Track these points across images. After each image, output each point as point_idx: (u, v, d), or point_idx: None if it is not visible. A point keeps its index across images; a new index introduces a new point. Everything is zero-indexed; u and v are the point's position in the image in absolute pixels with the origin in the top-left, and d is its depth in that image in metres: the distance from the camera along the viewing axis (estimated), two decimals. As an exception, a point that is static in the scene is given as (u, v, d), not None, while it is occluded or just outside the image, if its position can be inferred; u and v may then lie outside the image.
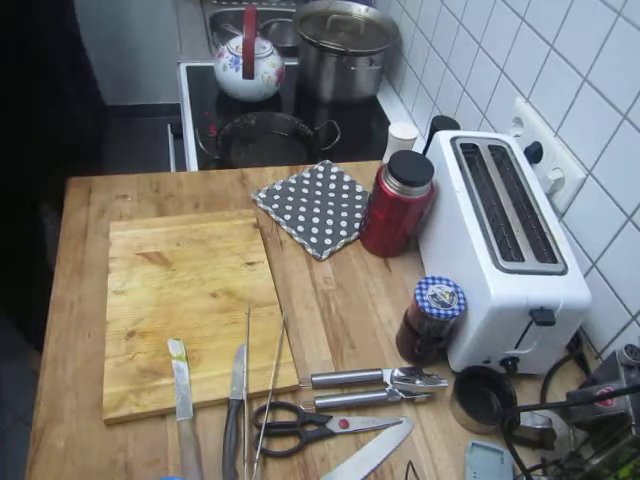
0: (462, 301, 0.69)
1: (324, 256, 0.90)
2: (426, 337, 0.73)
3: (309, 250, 0.90)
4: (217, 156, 1.11)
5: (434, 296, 0.69)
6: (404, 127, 0.97)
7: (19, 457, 0.72)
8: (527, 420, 0.67)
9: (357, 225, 0.96)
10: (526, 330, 0.69)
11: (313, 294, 0.85)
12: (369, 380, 0.74)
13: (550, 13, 0.83)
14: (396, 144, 0.96)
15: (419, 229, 0.91)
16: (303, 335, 0.79)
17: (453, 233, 0.78)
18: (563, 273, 0.68)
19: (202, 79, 1.38)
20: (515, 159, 0.83)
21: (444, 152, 0.82)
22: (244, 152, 1.19)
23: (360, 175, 1.07)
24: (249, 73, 1.23)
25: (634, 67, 0.69)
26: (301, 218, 0.95)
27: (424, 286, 0.71)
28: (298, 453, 0.67)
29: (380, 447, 0.69)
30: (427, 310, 0.68)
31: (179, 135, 1.29)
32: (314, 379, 0.73)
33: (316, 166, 1.07)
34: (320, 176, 1.05)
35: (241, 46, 1.20)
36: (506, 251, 0.71)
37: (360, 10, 1.43)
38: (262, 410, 0.68)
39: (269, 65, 1.27)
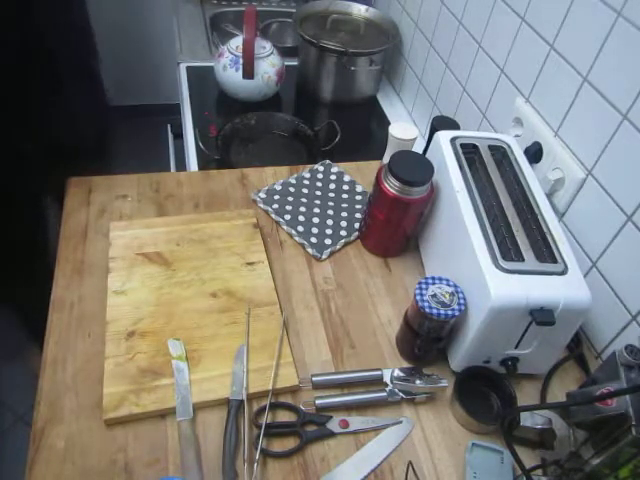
0: (462, 301, 0.69)
1: (324, 256, 0.90)
2: (426, 337, 0.73)
3: (309, 250, 0.90)
4: (217, 156, 1.11)
5: (434, 296, 0.69)
6: (404, 127, 0.97)
7: (19, 457, 0.72)
8: (527, 420, 0.67)
9: (357, 225, 0.96)
10: (526, 330, 0.69)
11: (313, 294, 0.85)
12: (369, 380, 0.74)
13: (550, 13, 0.83)
14: (396, 144, 0.96)
15: (419, 229, 0.91)
16: (303, 335, 0.79)
17: (453, 233, 0.78)
18: (563, 273, 0.68)
19: (202, 79, 1.38)
20: (515, 159, 0.83)
21: (444, 152, 0.82)
22: (244, 152, 1.19)
23: (360, 175, 1.07)
24: (249, 73, 1.23)
25: (634, 67, 0.69)
26: (301, 218, 0.95)
27: (424, 286, 0.71)
28: (298, 453, 0.67)
29: (380, 447, 0.69)
30: (427, 310, 0.68)
31: (179, 135, 1.29)
32: (314, 379, 0.73)
33: (316, 166, 1.07)
34: (320, 176, 1.05)
35: (241, 46, 1.20)
36: (506, 251, 0.71)
37: (360, 10, 1.43)
38: (262, 410, 0.68)
39: (269, 65, 1.27)
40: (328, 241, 0.92)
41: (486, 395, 0.75)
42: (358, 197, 1.01)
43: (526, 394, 0.76)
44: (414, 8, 1.30)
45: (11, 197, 1.04)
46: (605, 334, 0.80)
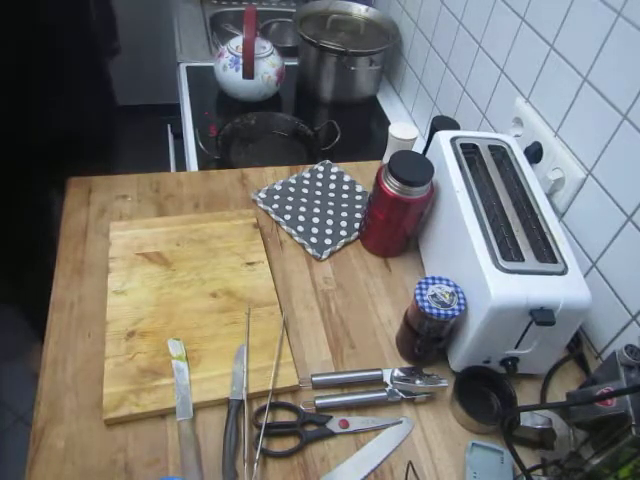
0: (462, 301, 0.69)
1: (324, 256, 0.90)
2: (426, 337, 0.73)
3: (309, 250, 0.90)
4: (217, 156, 1.11)
5: (434, 296, 0.69)
6: (404, 127, 0.97)
7: (19, 457, 0.72)
8: (527, 420, 0.67)
9: (357, 225, 0.96)
10: (526, 330, 0.69)
11: (313, 294, 0.85)
12: (369, 380, 0.74)
13: (550, 13, 0.83)
14: (396, 144, 0.96)
15: (419, 229, 0.91)
16: (303, 335, 0.79)
17: (453, 233, 0.78)
18: (563, 273, 0.68)
19: (202, 79, 1.38)
20: (515, 159, 0.83)
21: (444, 152, 0.82)
22: (244, 152, 1.19)
23: (360, 175, 1.07)
24: (249, 73, 1.23)
25: (634, 67, 0.69)
26: (301, 218, 0.95)
27: (424, 286, 0.71)
28: (298, 453, 0.67)
29: (380, 447, 0.69)
30: (427, 310, 0.68)
31: (179, 135, 1.29)
32: (314, 379, 0.73)
33: (316, 166, 1.07)
34: (320, 176, 1.05)
35: (241, 46, 1.20)
36: (506, 251, 0.71)
37: (360, 10, 1.43)
38: (262, 410, 0.68)
39: (269, 65, 1.27)
40: (328, 241, 0.92)
41: (486, 395, 0.75)
42: (358, 197, 1.01)
43: (526, 394, 0.76)
44: (414, 8, 1.30)
45: (17, 194, 1.04)
46: (605, 334, 0.80)
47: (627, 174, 0.73)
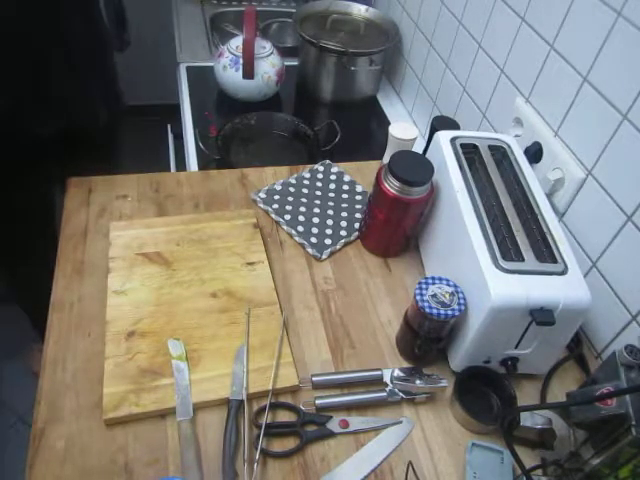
0: (462, 301, 0.69)
1: (324, 256, 0.90)
2: (426, 337, 0.73)
3: (309, 250, 0.90)
4: (217, 156, 1.11)
5: (434, 296, 0.69)
6: (404, 127, 0.97)
7: (19, 457, 0.72)
8: (527, 420, 0.67)
9: (357, 225, 0.96)
10: (526, 330, 0.69)
11: (313, 294, 0.85)
12: (369, 380, 0.74)
13: (550, 13, 0.83)
14: (396, 144, 0.96)
15: (419, 229, 0.91)
16: (303, 335, 0.79)
17: (453, 233, 0.78)
18: (563, 273, 0.68)
19: (202, 79, 1.38)
20: (515, 159, 0.83)
21: (444, 152, 0.82)
22: (244, 152, 1.19)
23: (360, 175, 1.07)
24: (249, 73, 1.23)
25: (634, 67, 0.69)
26: (301, 218, 0.95)
27: (424, 286, 0.71)
28: (298, 453, 0.67)
29: (380, 447, 0.69)
30: (427, 310, 0.68)
31: (179, 135, 1.29)
32: (314, 379, 0.73)
33: (316, 166, 1.07)
34: (320, 176, 1.05)
35: (241, 46, 1.20)
36: (506, 251, 0.71)
37: (360, 10, 1.43)
38: (262, 410, 0.68)
39: (269, 65, 1.27)
40: (328, 241, 0.92)
41: (486, 395, 0.75)
42: (358, 197, 1.01)
43: (526, 394, 0.76)
44: (414, 8, 1.30)
45: (20, 189, 1.04)
46: (605, 334, 0.80)
47: (627, 174, 0.73)
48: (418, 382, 0.72)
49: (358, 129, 1.36)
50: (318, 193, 1.01)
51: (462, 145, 0.83)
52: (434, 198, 0.85)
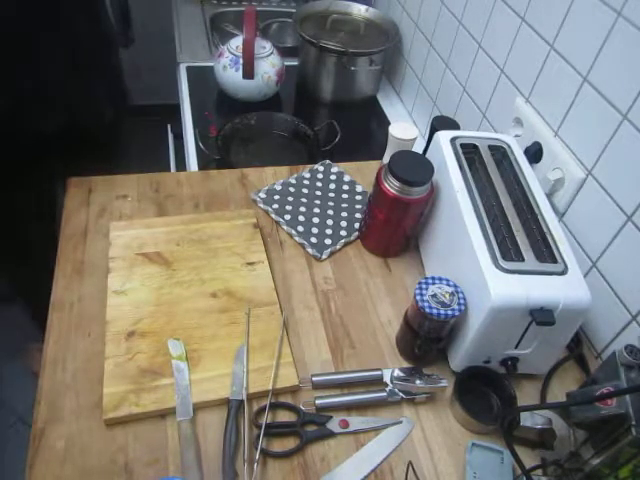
0: (462, 301, 0.69)
1: (324, 256, 0.90)
2: (426, 337, 0.73)
3: (309, 250, 0.90)
4: (217, 156, 1.11)
5: (434, 296, 0.69)
6: (404, 127, 0.97)
7: (19, 457, 0.72)
8: (527, 420, 0.67)
9: (357, 225, 0.96)
10: (526, 330, 0.69)
11: (313, 294, 0.85)
12: (369, 380, 0.74)
13: (550, 13, 0.83)
14: (396, 144, 0.96)
15: (419, 229, 0.91)
16: (303, 335, 0.79)
17: (453, 233, 0.78)
18: (563, 273, 0.68)
19: (202, 79, 1.38)
20: (515, 159, 0.83)
21: (444, 152, 0.82)
22: (244, 152, 1.19)
23: (360, 175, 1.07)
24: (249, 73, 1.23)
25: (634, 67, 0.69)
26: (301, 218, 0.95)
27: (424, 286, 0.71)
28: (298, 453, 0.67)
29: (380, 447, 0.69)
30: (427, 310, 0.68)
31: (179, 135, 1.29)
32: (314, 379, 0.73)
33: (316, 166, 1.07)
34: (320, 176, 1.05)
35: (241, 46, 1.20)
36: (506, 251, 0.71)
37: (360, 10, 1.43)
38: (262, 410, 0.68)
39: (269, 65, 1.27)
40: (328, 241, 0.92)
41: (486, 395, 0.75)
42: (358, 197, 1.01)
43: (526, 394, 0.76)
44: (414, 8, 1.30)
45: (27, 183, 1.04)
46: (605, 334, 0.80)
47: (627, 174, 0.73)
48: (418, 382, 0.72)
49: (358, 129, 1.36)
50: (318, 193, 1.01)
51: (462, 145, 0.83)
52: (434, 198, 0.85)
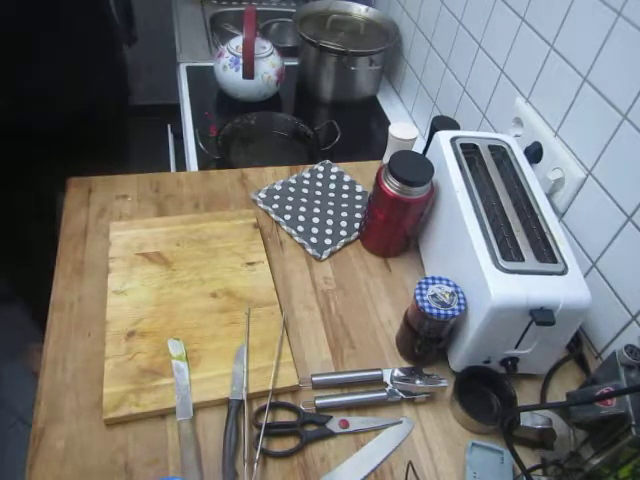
0: (462, 301, 0.69)
1: (324, 256, 0.90)
2: (426, 337, 0.73)
3: (309, 250, 0.90)
4: (217, 156, 1.11)
5: (434, 296, 0.69)
6: (404, 127, 0.97)
7: (19, 457, 0.72)
8: (527, 420, 0.67)
9: (357, 225, 0.96)
10: (526, 330, 0.69)
11: (313, 294, 0.85)
12: (369, 380, 0.74)
13: (550, 13, 0.83)
14: (396, 144, 0.96)
15: (419, 229, 0.91)
16: (303, 335, 0.79)
17: (453, 233, 0.78)
18: (563, 273, 0.68)
19: (202, 79, 1.38)
20: (515, 159, 0.83)
21: (444, 152, 0.82)
22: (244, 152, 1.19)
23: (360, 175, 1.07)
24: (249, 73, 1.23)
25: (634, 67, 0.69)
26: (301, 218, 0.95)
27: (424, 286, 0.71)
28: (298, 453, 0.67)
29: (380, 447, 0.69)
30: (427, 310, 0.68)
31: (179, 135, 1.29)
32: (314, 379, 0.73)
33: (316, 166, 1.07)
34: (320, 176, 1.05)
35: (241, 46, 1.20)
36: (506, 251, 0.71)
37: (360, 10, 1.43)
38: (262, 410, 0.68)
39: (269, 65, 1.27)
40: (328, 241, 0.92)
41: (486, 395, 0.75)
42: (358, 197, 1.01)
43: (526, 394, 0.76)
44: (414, 8, 1.30)
45: (27, 183, 1.04)
46: (605, 334, 0.80)
47: (627, 174, 0.73)
48: (418, 382, 0.72)
49: (358, 129, 1.36)
50: (318, 193, 1.01)
51: (462, 145, 0.83)
52: (434, 198, 0.85)
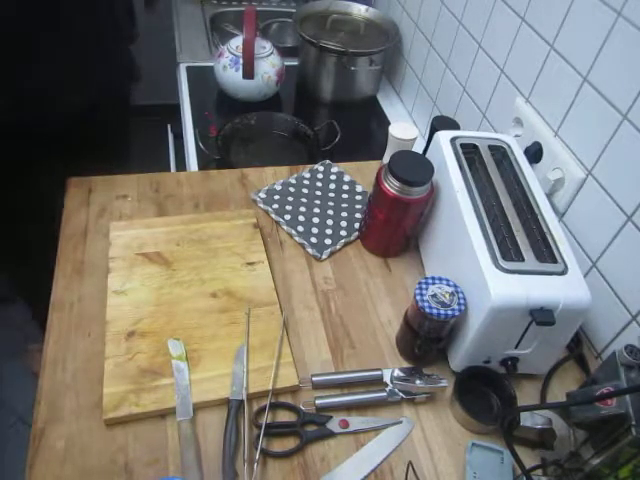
0: (462, 301, 0.69)
1: (324, 256, 0.90)
2: (426, 337, 0.73)
3: (309, 250, 0.90)
4: (217, 156, 1.11)
5: (434, 296, 0.69)
6: (404, 127, 0.97)
7: (19, 457, 0.72)
8: (527, 420, 0.67)
9: (357, 225, 0.96)
10: (526, 330, 0.69)
11: (313, 294, 0.85)
12: (369, 380, 0.74)
13: (550, 13, 0.83)
14: (396, 144, 0.96)
15: (419, 229, 0.91)
16: (303, 335, 0.79)
17: (453, 233, 0.78)
18: (563, 273, 0.68)
19: (202, 79, 1.38)
20: (515, 159, 0.83)
21: (444, 152, 0.82)
22: (244, 152, 1.19)
23: (360, 175, 1.07)
24: (249, 73, 1.23)
25: (634, 67, 0.69)
26: (301, 218, 0.95)
27: (424, 286, 0.71)
28: (298, 453, 0.67)
29: (380, 447, 0.69)
30: (427, 310, 0.68)
31: (179, 135, 1.29)
32: (314, 379, 0.73)
33: (316, 166, 1.07)
34: (320, 176, 1.05)
35: (241, 46, 1.20)
36: (506, 251, 0.71)
37: (360, 10, 1.43)
38: (262, 410, 0.68)
39: (269, 65, 1.27)
40: (328, 241, 0.92)
41: (486, 395, 0.75)
42: (358, 197, 1.01)
43: (526, 394, 0.76)
44: (414, 8, 1.30)
45: (26, 183, 1.04)
46: (605, 334, 0.80)
47: (627, 174, 0.73)
48: (418, 382, 0.72)
49: (358, 129, 1.36)
50: (318, 193, 1.01)
51: (462, 145, 0.83)
52: (434, 198, 0.85)
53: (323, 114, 1.39)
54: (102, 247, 0.85)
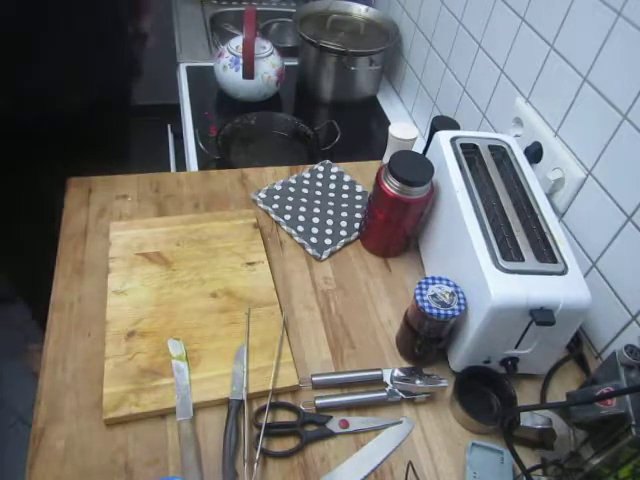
0: (462, 301, 0.69)
1: (324, 256, 0.90)
2: (426, 337, 0.73)
3: (309, 250, 0.90)
4: (217, 156, 1.11)
5: (434, 296, 0.69)
6: (404, 127, 0.97)
7: (19, 457, 0.72)
8: (527, 420, 0.67)
9: (357, 225, 0.96)
10: (526, 330, 0.69)
11: (313, 294, 0.85)
12: (369, 380, 0.74)
13: (550, 13, 0.83)
14: (396, 144, 0.96)
15: (419, 229, 0.91)
16: (303, 335, 0.79)
17: (453, 233, 0.78)
18: (563, 273, 0.68)
19: (202, 79, 1.38)
20: (515, 159, 0.83)
21: (444, 152, 0.82)
22: (244, 152, 1.19)
23: (360, 175, 1.07)
24: (249, 73, 1.23)
25: (634, 67, 0.69)
26: (301, 218, 0.95)
27: (424, 286, 0.71)
28: (298, 453, 0.67)
29: (380, 447, 0.69)
30: (427, 310, 0.68)
31: (179, 135, 1.29)
32: (314, 379, 0.73)
33: (316, 166, 1.07)
34: (320, 176, 1.05)
35: (241, 46, 1.20)
36: (506, 251, 0.71)
37: (360, 10, 1.43)
38: (262, 410, 0.68)
39: (269, 65, 1.27)
40: (328, 241, 0.92)
41: (486, 395, 0.75)
42: (358, 197, 1.01)
43: (526, 394, 0.76)
44: (414, 8, 1.30)
45: (26, 183, 1.04)
46: (605, 334, 0.80)
47: (627, 174, 0.73)
48: (418, 382, 0.72)
49: (358, 129, 1.36)
50: (318, 193, 1.01)
51: (462, 145, 0.83)
52: (434, 198, 0.85)
53: (323, 114, 1.39)
54: (102, 247, 0.85)
